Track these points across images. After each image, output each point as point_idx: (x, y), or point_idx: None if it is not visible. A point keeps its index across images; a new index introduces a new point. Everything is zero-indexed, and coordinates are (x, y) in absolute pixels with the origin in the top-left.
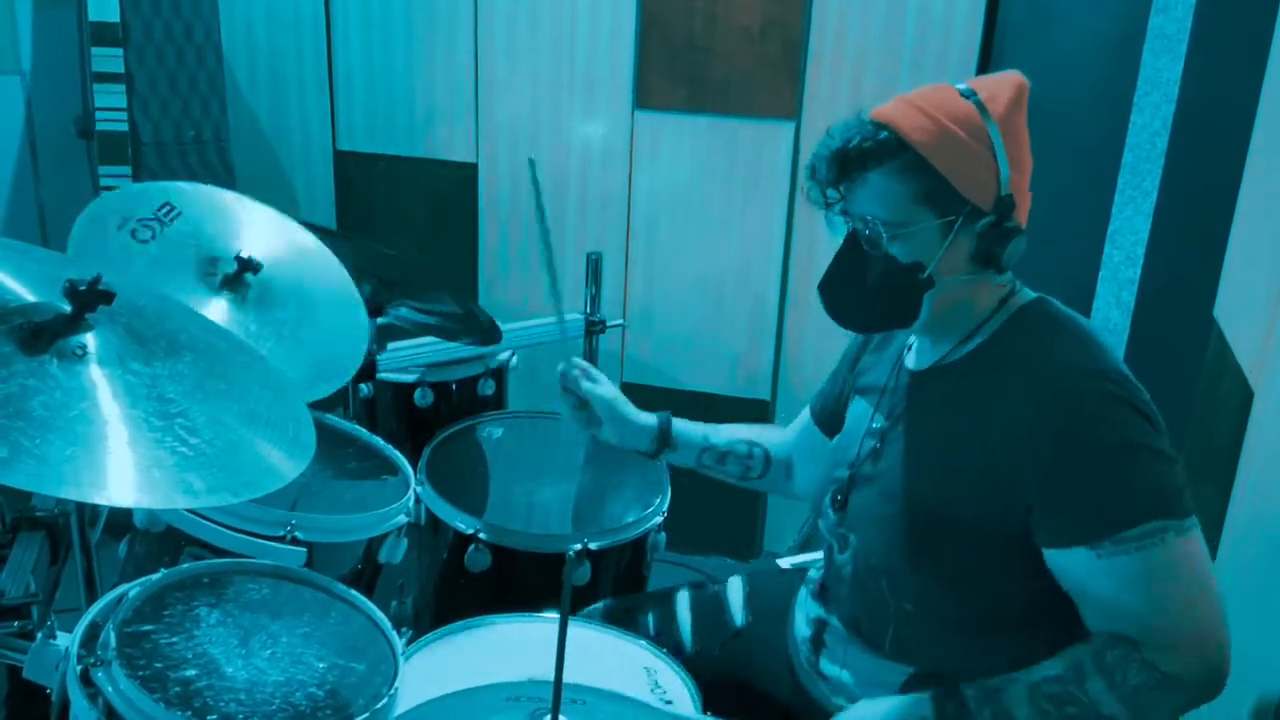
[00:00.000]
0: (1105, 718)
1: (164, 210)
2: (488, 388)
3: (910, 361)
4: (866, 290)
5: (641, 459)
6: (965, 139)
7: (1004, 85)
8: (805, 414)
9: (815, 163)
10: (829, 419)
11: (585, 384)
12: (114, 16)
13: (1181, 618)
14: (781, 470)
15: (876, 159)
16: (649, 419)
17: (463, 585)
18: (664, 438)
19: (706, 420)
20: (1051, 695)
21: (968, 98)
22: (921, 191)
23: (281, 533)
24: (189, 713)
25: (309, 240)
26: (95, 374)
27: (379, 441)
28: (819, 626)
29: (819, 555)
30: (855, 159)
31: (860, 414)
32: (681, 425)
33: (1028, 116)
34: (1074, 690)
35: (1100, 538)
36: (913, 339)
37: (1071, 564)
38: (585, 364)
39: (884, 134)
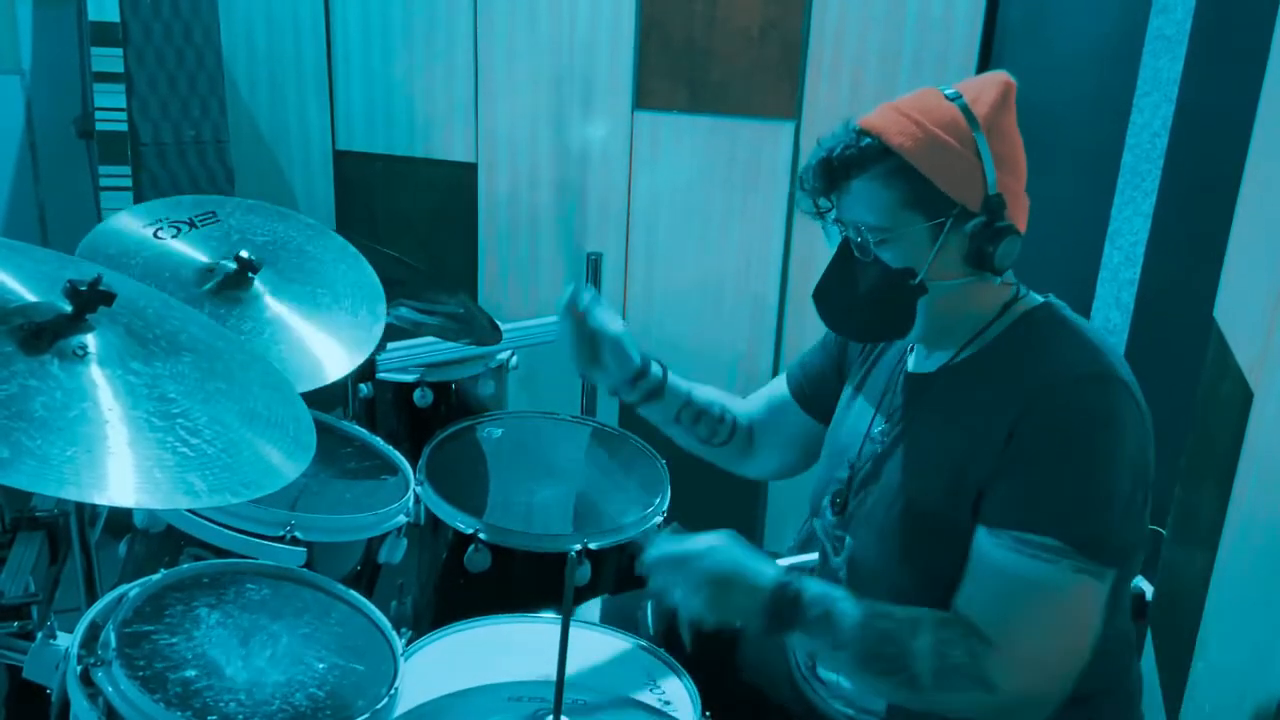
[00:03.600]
0: (910, 672)
1: (202, 216)
2: (488, 388)
3: (912, 364)
4: (860, 298)
5: (641, 460)
6: (949, 141)
7: (989, 85)
8: (780, 386)
9: (804, 173)
10: (810, 397)
11: (598, 315)
12: (114, 16)
13: (1034, 640)
14: (744, 441)
15: (861, 166)
16: (654, 367)
17: (463, 585)
18: (658, 387)
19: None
20: (881, 631)
21: (952, 100)
22: (908, 196)
23: (281, 533)
24: (189, 713)
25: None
26: (96, 374)
27: (379, 441)
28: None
29: (816, 555)
30: (840, 167)
31: (860, 413)
32: (675, 379)
33: (1027, 117)
34: (902, 636)
35: (1006, 526)
36: (914, 343)
37: (978, 540)
38: (596, 294)
39: (867, 141)
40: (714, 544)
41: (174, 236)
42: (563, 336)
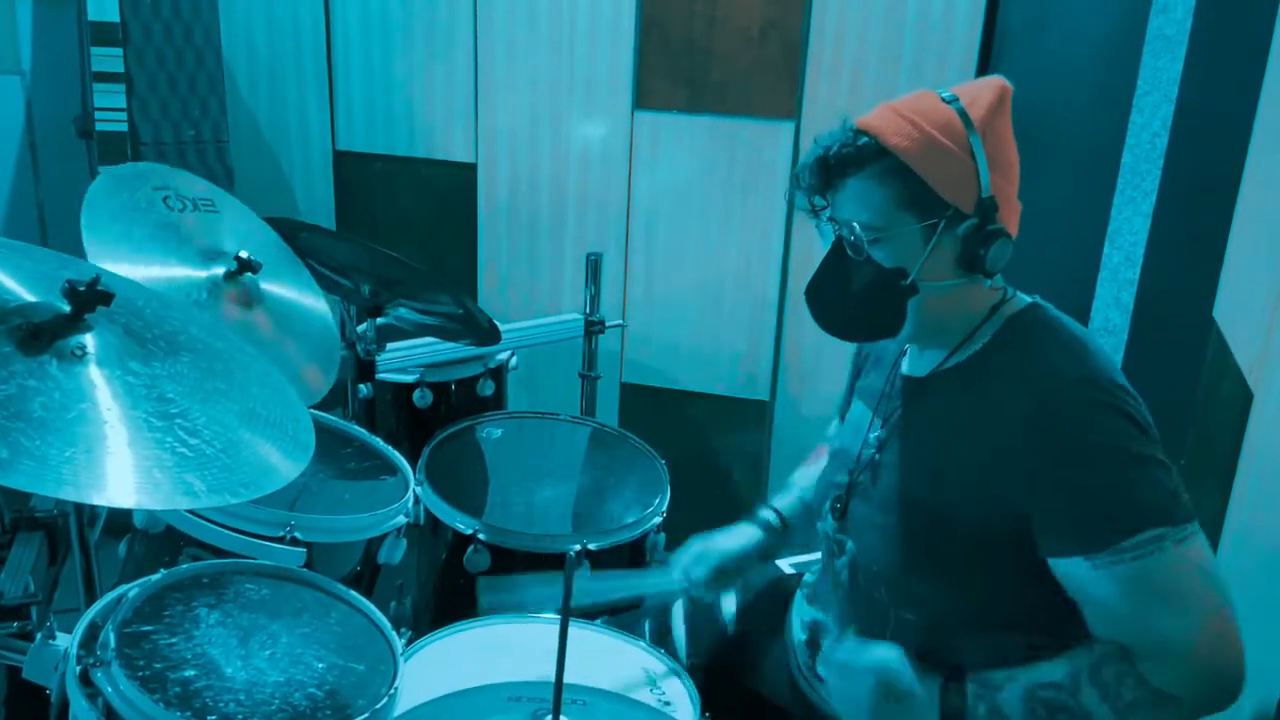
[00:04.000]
0: None
1: (205, 201)
2: (487, 388)
3: (906, 367)
4: (851, 297)
5: (641, 460)
6: (944, 142)
7: (985, 89)
8: (835, 425)
9: (801, 170)
10: None
11: (702, 570)
12: (114, 17)
13: (1180, 630)
14: None
15: (856, 164)
16: (770, 520)
17: (462, 585)
18: (785, 529)
19: (707, 421)
20: (1046, 701)
21: (949, 103)
22: (902, 196)
23: (281, 533)
24: (188, 713)
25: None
26: (94, 374)
27: (378, 441)
28: (815, 630)
29: (818, 556)
30: (836, 165)
31: (859, 418)
32: (784, 505)
33: (1027, 117)
34: (1068, 699)
35: (1096, 550)
36: (907, 345)
37: (1071, 573)
38: (685, 566)
39: (864, 140)
40: (886, 659)
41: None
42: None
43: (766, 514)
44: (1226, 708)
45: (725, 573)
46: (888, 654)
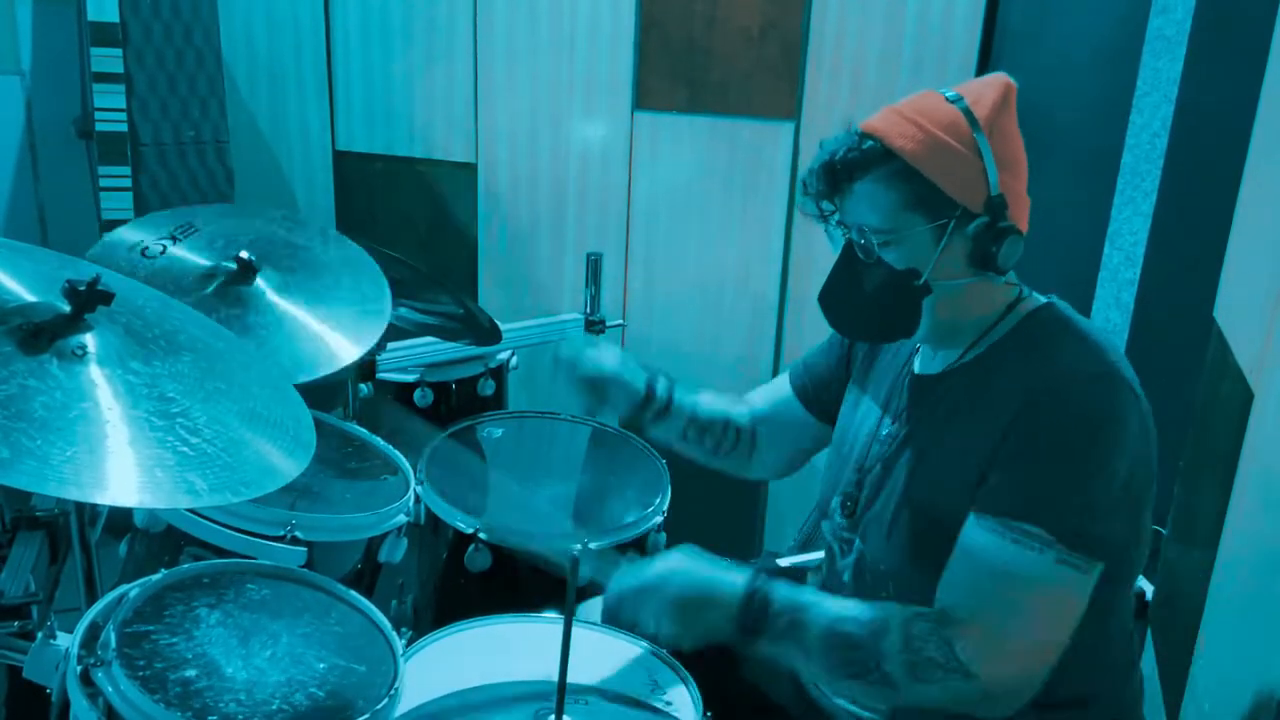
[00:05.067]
0: (881, 672)
1: (181, 228)
2: (488, 388)
3: (918, 366)
4: (865, 300)
5: (641, 460)
6: (950, 142)
7: (989, 87)
8: (784, 384)
9: (807, 176)
10: (813, 396)
11: (588, 360)
12: (114, 17)
13: (1012, 626)
14: (747, 444)
15: (863, 168)
16: (659, 388)
17: (463, 585)
18: (665, 407)
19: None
20: (845, 635)
21: (953, 102)
22: (911, 198)
23: (281, 533)
24: (189, 713)
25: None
26: (95, 374)
27: (379, 441)
28: None
29: (818, 555)
30: (843, 170)
31: (867, 415)
32: (680, 395)
33: (1027, 117)
34: (867, 640)
35: (995, 513)
36: (920, 345)
37: (964, 528)
38: (581, 341)
39: (869, 143)
40: (673, 566)
41: (161, 254)
42: (563, 389)
43: (662, 382)
44: (997, 714)
45: (595, 387)
46: (672, 559)
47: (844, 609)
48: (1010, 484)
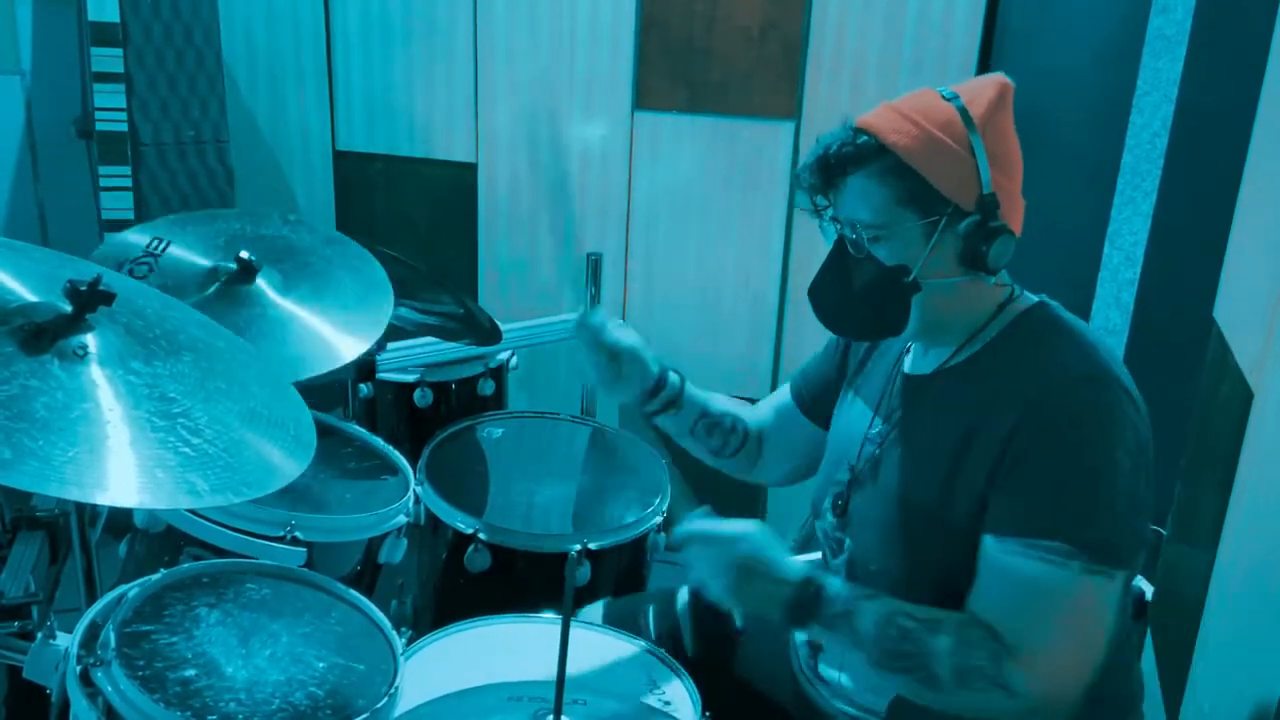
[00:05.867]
0: (929, 671)
1: (154, 244)
2: (487, 388)
3: (908, 365)
4: (854, 296)
5: (641, 460)
6: (945, 140)
7: (986, 86)
8: (784, 393)
9: (802, 170)
10: (811, 403)
11: (611, 330)
12: (114, 17)
13: (1048, 644)
14: (753, 449)
15: (857, 163)
16: (671, 376)
17: (463, 585)
18: (676, 397)
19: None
20: (900, 627)
21: (950, 101)
22: (903, 194)
23: (281, 533)
24: (189, 713)
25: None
26: (96, 374)
27: (379, 441)
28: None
29: (818, 555)
30: (837, 164)
31: (858, 415)
32: (692, 389)
33: (1027, 117)
34: (921, 634)
35: (1014, 534)
36: (911, 344)
37: (983, 549)
38: (604, 314)
39: (864, 139)
40: (747, 531)
41: (149, 273)
42: (581, 355)
43: (675, 374)
44: None
45: (615, 356)
46: (749, 526)
47: (901, 605)
48: (1023, 502)
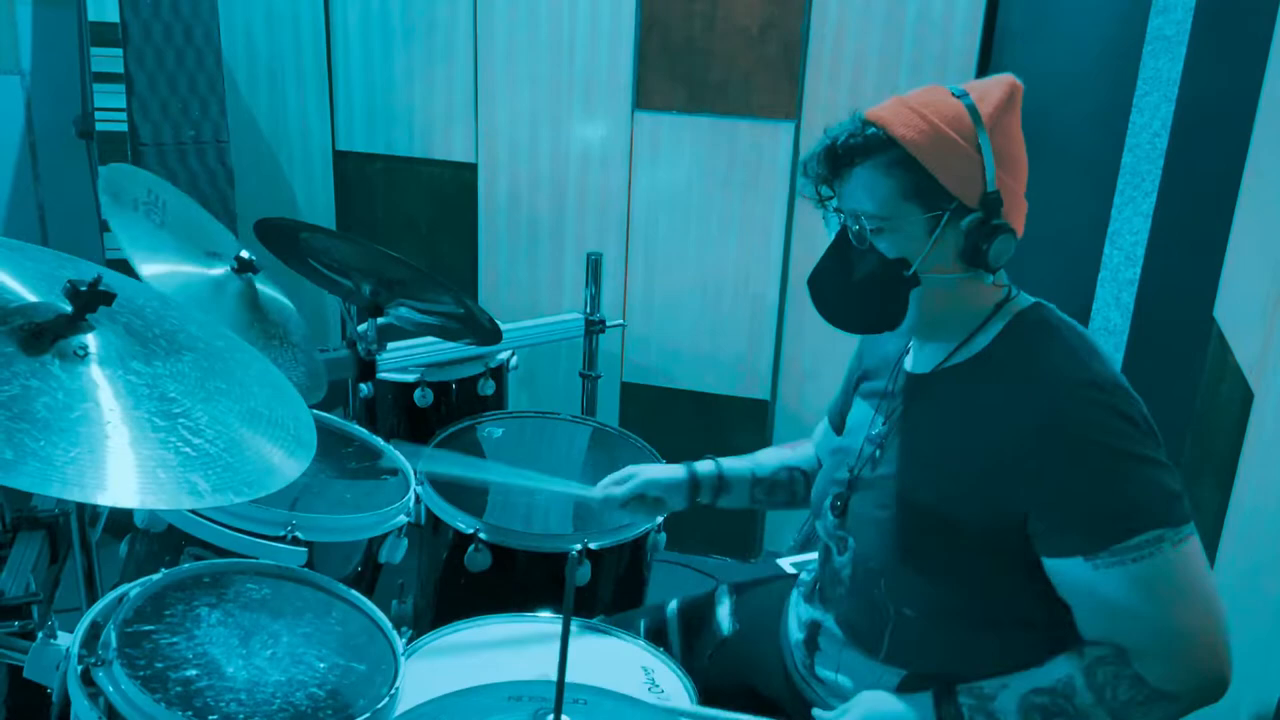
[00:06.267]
0: None
1: (151, 196)
2: (488, 388)
3: (909, 365)
4: (853, 286)
5: (641, 460)
6: (952, 135)
7: (995, 86)
8: (823, 427)
9: (808, 159)
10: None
11: (621, 489)
12: (114, 17)
13: (1174, 629)
14: None
15: (864, 154)
16: (701, 468)
17: (463, 585)
18: (719, 482)
19: (707, 421)
20: (1041, 706)
21: (959, 98)
22: (908, 187)
23: (282, 533)
24: (189, 713)
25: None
26: (97, 374)
27: (379, 441)
28: (813, 629)
29: (816, 556)
30: (844, 155)
31: (861, 417)
32: (730, 464)
33: (1027, 117)
34: (1064, 704)
35: (1096, 550)
36: (910, 342)
37: (1068, 572)
38: (607, 482)
39: (871, 130)
40: (870, 708)
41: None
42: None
43: (705, 463)
44: (1217, 700)
45: (644, 499)
46: (868, 696)
47: (1027, 682)
48: (1090, 519)
